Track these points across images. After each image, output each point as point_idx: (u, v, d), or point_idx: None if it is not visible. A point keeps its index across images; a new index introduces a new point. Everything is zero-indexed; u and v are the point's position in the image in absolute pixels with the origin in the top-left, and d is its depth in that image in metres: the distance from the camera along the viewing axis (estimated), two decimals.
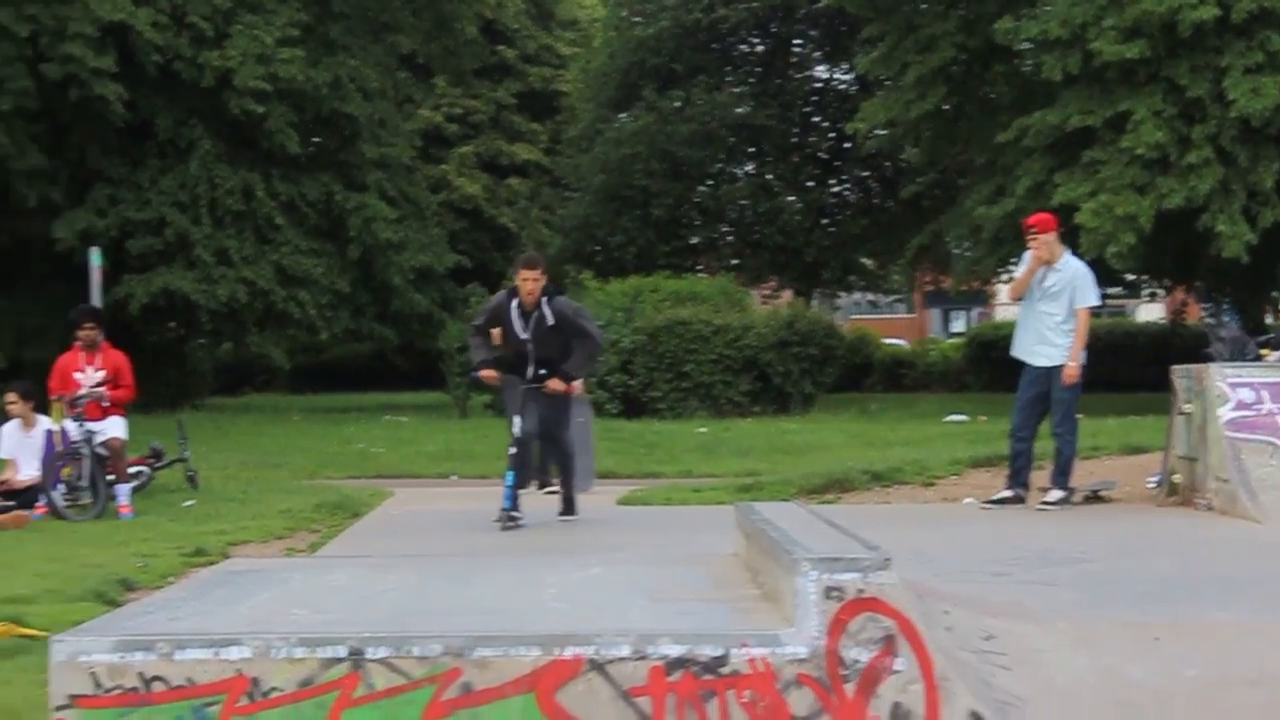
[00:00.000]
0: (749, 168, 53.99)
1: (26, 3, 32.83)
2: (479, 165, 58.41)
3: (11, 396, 17.62)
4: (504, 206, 57.91)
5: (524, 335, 14.29)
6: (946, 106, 36.51)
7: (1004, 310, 62.12)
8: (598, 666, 5.78)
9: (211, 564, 11.03)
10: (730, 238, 53.32)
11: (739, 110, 51.58)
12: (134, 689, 5.70)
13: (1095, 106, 30.37)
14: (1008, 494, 15.26)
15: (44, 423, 17.26)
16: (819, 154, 53.20)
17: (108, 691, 5.70)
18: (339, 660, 5.74)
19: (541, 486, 17.08)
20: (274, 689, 5.72)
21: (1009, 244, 31.79)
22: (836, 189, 53.85)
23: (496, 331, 14.76)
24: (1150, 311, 61.81)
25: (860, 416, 31.52)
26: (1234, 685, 6.88)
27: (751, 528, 7.54)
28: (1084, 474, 16.06)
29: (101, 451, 16.66)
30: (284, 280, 37.38)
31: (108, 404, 17.01)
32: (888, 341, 58.52)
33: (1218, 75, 29.62)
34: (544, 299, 14.23)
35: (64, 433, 16.82)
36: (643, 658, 5.79)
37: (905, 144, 42.49)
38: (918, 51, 34.94)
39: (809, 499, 15.67)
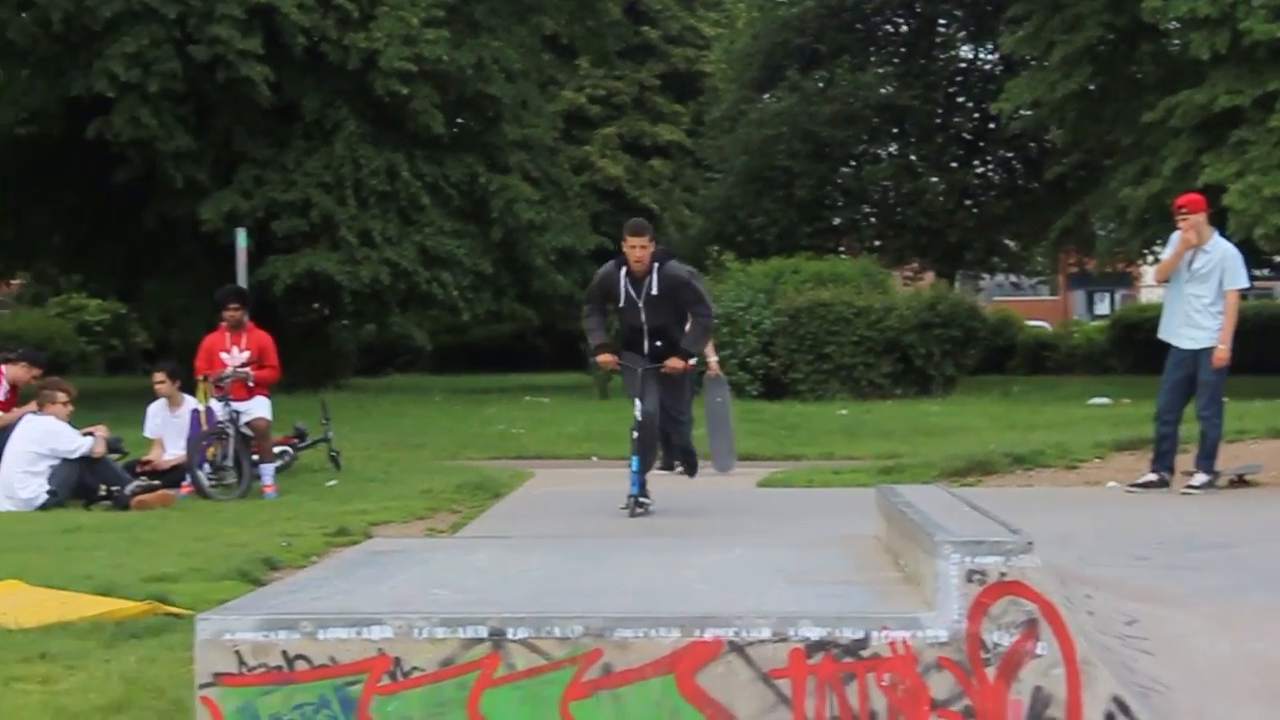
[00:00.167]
0: (892, 148, 53.68)
1: None
2: (621, 147, 58.61)
3: (159, 376, 17.84)
4: (646, 188, 58.04)
5: (638, 303, 13.99)
6: (1092, 86, 36.17)
7: (1149, 292, 61.46)
8: (738, 649, 5.74)
9: (354, 544, 11.10)
10: (872, 219, 52.99)
11: (883, 90, 51.34)
12: (278, 667, 5.73)
13: (1244, 86, 30.00)
14: (1152, 477, 15.12)
15: (190, 402, 17.45)
16: (963, 134, 52.65)
17: (251, 670, 5.74)
18: (480, 640, 5.73)
19: (667, 467, 17.04)
20: (415, 669, 5.73)
21: (1154, 225, 31.51)
22: (980, 170, 53.35)
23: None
24: None
25: (1002, 399, 31.26)
26: None
27: (892, 510, 7.49)
28: (1229, 457, 15.87)
29: (246, 431, 16.85)
30: (427, 261, 37.53)
31: (253, 384, 17.20)
32: (1031, 323, 58.10)
33: None
34: (655, 265, 13.95)
35: (209, 412, 17.01)
36: (783, 640, 5.75)
37: (1050, 124, 42.07)
38: (1064, 30, 34.62)
39: (950, 481, 15.58)
